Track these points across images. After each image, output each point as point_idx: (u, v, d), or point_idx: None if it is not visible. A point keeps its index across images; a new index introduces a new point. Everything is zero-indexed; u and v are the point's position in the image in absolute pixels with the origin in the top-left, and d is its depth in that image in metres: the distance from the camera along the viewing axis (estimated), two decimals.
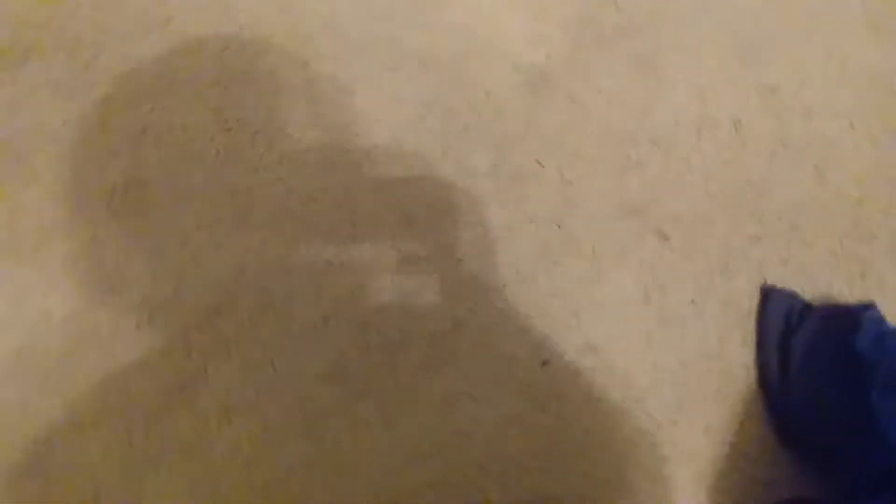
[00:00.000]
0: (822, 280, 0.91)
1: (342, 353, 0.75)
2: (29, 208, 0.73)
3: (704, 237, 0.89)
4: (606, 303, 0.84)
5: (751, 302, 0.88)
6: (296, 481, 0.71)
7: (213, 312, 0.73)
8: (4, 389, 0.68)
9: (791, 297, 0.89)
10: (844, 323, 0.82)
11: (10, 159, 0.74)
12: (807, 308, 0.88)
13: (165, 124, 0.78)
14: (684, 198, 0.90)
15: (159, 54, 0.80)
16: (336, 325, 0.75)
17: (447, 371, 0.77)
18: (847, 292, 0.91)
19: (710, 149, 0.93)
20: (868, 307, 0.82)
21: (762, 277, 0.89)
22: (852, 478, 0.77)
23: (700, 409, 0.83)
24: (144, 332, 0.71)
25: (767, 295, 0.89)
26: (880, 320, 0.79)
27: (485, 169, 0.85)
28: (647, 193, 0.89)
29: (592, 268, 0.85)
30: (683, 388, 0.83)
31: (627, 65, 0.94)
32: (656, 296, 0.85)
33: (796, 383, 0.83)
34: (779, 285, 0.90)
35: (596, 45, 0.93)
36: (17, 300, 0.71)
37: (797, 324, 0.86)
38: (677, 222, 0.89)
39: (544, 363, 0.80)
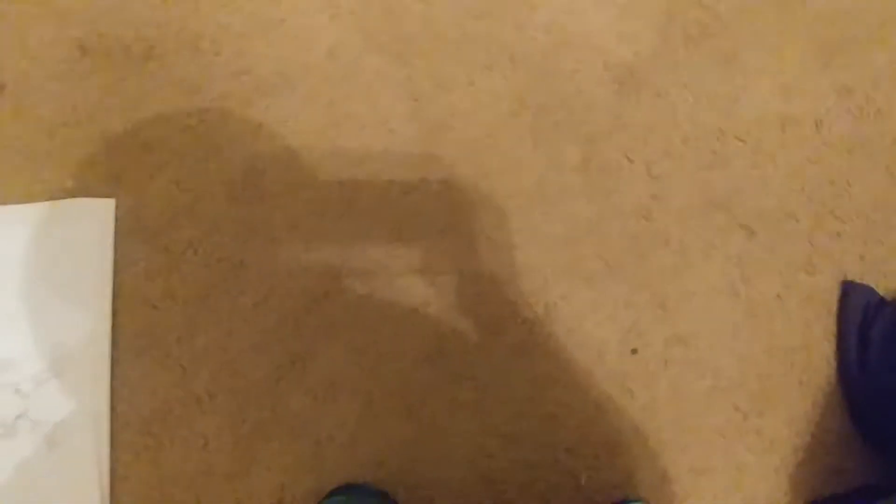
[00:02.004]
0: (893, 275, 0.76)
1: (441, 337, 0.65)
2: (155, 196, 0.65)
3: (789, 233, 0.75)
4: (694, 295, 0.71)
5: (832, 297, 0.74)
6: (395, 458, 0.62)
7: (321, 295, 0.65)
8: (127, 369, 0.61)
9: (869, 291, 0.75)
10: None
11: (137, 150, 0.67)
12: (882, 302, 0.74)
13: (280, 118, 0.69)
14: (769, 194, 0.76)
15: (274, 53, 0.71)
16: (435, 310, 0.66)
17: (540, 356, 0.66)
18: None
19: (794, 146, 0.79)
20: None
21: (842, 273, 0.75)
22: None
23: (783, 401, 0.70)
24: (260, 312, 0.63)
25: (847, 290, 0.75)
26: None
27: (575, 163, 0.73)
28: (732, 189, 0.76)
29: (680, 260, 0.72)
30: (768, 380, 0.70)
31: (713, 62, 0.80)
32: (743, 289, 0.72)
33: (874, 374, 0.70)
34: (857, 280, 0.76)
35: (682, 42, 0.79)
36: (145, 279, 0.63)
37: (874, 317, 0.73)
38: (762, 218, 0.75)
39: (633, 352, 0.68)
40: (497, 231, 0.69)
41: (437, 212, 0.69)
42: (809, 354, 0.71)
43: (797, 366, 0.71)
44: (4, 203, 0.63)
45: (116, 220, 0.64)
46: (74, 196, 0.64)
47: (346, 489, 0.60)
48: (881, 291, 0.75)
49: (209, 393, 0.61)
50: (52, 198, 0.64)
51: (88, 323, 0.61)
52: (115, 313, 0.62)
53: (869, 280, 0.75)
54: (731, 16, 0.82)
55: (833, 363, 0.72)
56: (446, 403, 0.64)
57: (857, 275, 0.75)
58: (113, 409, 0.60)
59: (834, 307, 0.74)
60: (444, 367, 0.64)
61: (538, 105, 0.74)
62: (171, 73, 0.69)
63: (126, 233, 0.64)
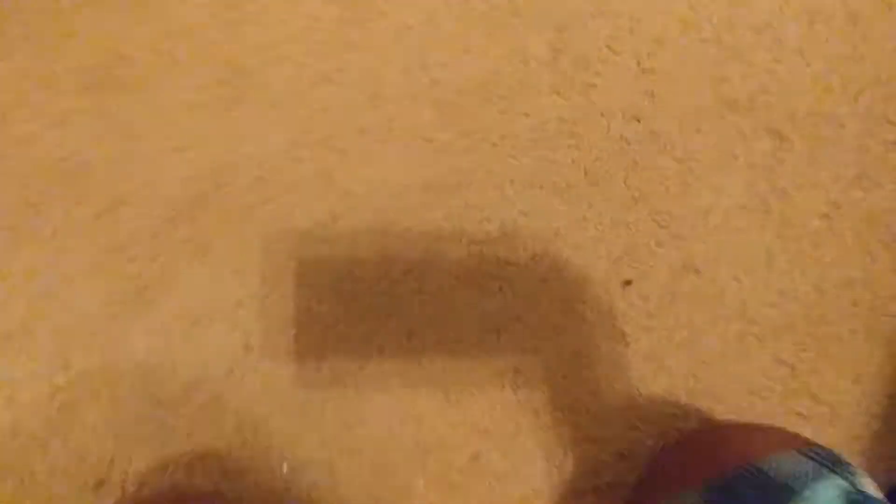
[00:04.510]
0: None
1: (356, 260, 0.44)
2: None
3: (832, 140, 0.53)
4: (708, 212, 0.49)
5: None
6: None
7: (192, 202, 0.44)
8: None
9: None
10: None
11: None
12: None
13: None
14: (802, 94, 0.54)
15: None
16: (348, 224, 0.44)
17: (494, 289, 0.44)
18: None
19: (826, 41, 0.57)
20: None
21: None
22: None
23: (846, 353, 0.46)
24: (103, 224, 0.43)
25: None
26: None
27: (542, 55, 0.53)
28: (752, 87, 0.54)
29: (687, 170, 0.50)
30: (822, 325, 0.46)
31: None
32: (777, 205, 0.49)
33: None
34: None
35: None
36: None
37: None
38: (795, 121, 0.53)
39: (627, 283, 0.45)
40: (437, 131, 0.48)
41: (358, 106, 0.49)
42: (877, 292, 0.47)
43: (861, 306, 0.47)
44: None
45: None
46: None
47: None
48: None
49: (25, 329, 0.40)
50: None
51: None
52: None
53: None
54: None
55: None
56: (361, 351, 0.42)
57: None
58: None
59: None
60: (359, 303, 0.43)
61: None
62: None
63: None
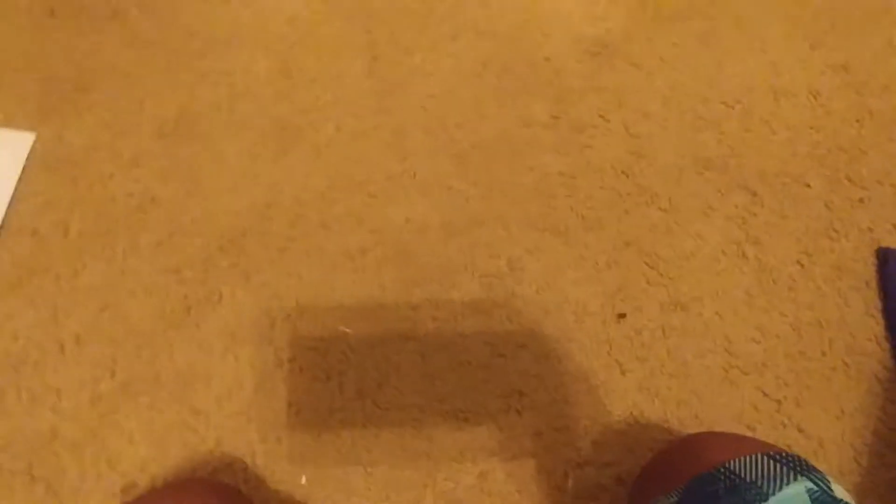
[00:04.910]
0: None
1: (380, 288, 0.49)
2: (80, 133, 0.54)
3: (800, 197, 0.58)
4: (692, 256, 0.53)
5: (867, 268, 0.55)
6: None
7: (239, 234, 0.50)
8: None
9: None
10: None
11: (75, 93, 0.57)
12: None
13: (227, 70, 0.59)
14: (770, 157, 0.61)
15: (232, 16, 0.63)
16: (374, 257, 0.50)
17: (500, 317, 0.48)
18: None
19: (792, 114, 0.65)
20: None
21: (874, 241, 0.57)
22: None
23: (828, 389, 0.48)
24: (162, 250, 0.48)
25: (886, 258, 0.56)
26: None
27: (544, 120, 0.61)
28: (726, 150, 0.61)
29: (671, 219, 0.55)
30: (802, 361, 0.49)
31: (689, 40, 0.69)
32: (752, 252, 0.54)
33: None
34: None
35: (656, 22, 0.69)
36: (40, 211, 0.50)
37: None
38: (766, 180, 0.59)
39: (621, 317, 0.49)
40: (454, 180, 0.55)
41: (387, 159, 0.55)
42: (852, 332, 0.51)
43: (837, 345, 0.50)
44: None
45: (33, 153, 0.52)
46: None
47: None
48: None
49: (77, 339, 0.44)
50: None
51: None
52: None
53: None
54: (704, 1, 0.73)
55: (885, 345, 0.51)
56: (382, 365, 0.45)
57: (892, 243, 0.57)
58: None
59: (871, 278, 0.55)
60: (381, 323, 0.47)
61: (503, 67, 0.64)
62: (128, 32, 0.62)
63: (38, 165, 0.52)
